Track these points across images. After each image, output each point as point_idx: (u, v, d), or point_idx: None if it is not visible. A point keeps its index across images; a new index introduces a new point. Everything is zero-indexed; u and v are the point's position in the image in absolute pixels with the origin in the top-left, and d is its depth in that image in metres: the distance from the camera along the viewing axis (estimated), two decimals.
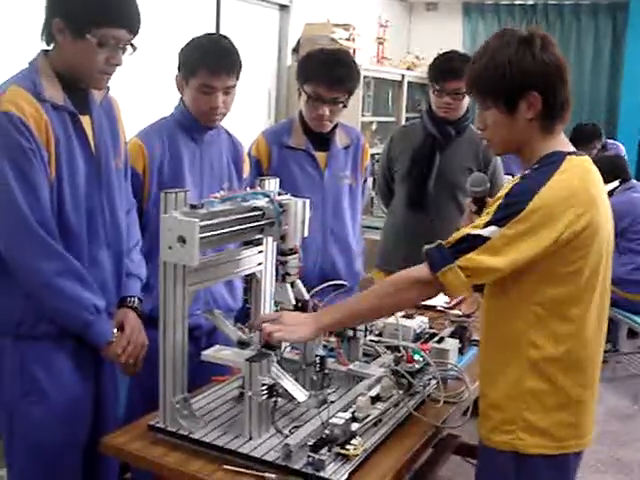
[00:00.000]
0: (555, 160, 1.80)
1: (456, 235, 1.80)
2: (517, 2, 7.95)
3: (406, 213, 3.58)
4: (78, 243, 2.09)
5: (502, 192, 1.78)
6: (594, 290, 1.83)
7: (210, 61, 2.48)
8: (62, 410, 2.12)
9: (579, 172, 1.81)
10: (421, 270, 1.82)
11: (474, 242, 1.75)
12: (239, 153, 2.79)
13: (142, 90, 4.16)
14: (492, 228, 1.74)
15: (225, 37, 2.63)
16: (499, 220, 1.74)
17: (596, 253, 1.81)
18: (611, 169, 5.04)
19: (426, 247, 1.83)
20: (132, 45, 2.07)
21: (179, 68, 2.58)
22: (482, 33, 8.12)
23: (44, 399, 2.09)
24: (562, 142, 1.88)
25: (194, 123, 2.58)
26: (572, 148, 1.89)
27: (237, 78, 2.56)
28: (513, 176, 3.52)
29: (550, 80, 1.80)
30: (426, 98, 3.62)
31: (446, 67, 3.43)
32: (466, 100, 3.46)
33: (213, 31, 4.82)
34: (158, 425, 1.85)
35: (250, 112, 5.40)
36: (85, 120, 2.11)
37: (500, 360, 1.87)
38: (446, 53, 3.58)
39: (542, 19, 7.91)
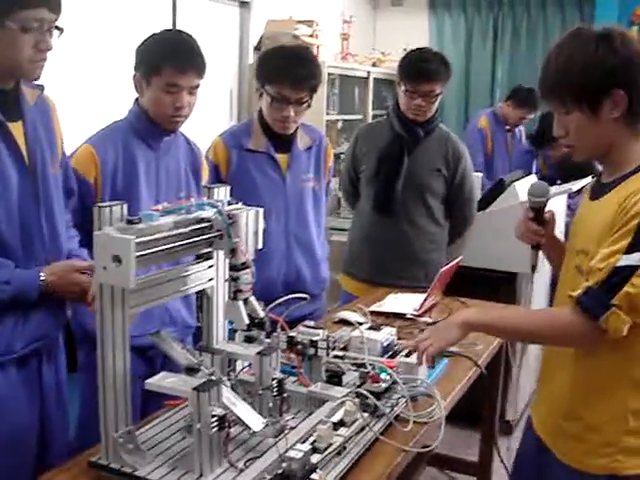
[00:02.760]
0: None
1: (597, 270, 1.67)
2: None
3: (373, 216, 3.44)
4: (12, 258, 1.94)
5: (634, 209, 1.65)
6: None
7: (177, 58, 2.34)
8: (4, 440, 1.96)
9: None
10: (576, 318, 1.71)
11: (625, 274, 1.64)
12: (197, 159, 2.64)
13: (94, 91, 3.98)
14: (639, 254, 1.63)
15: (188, 34, 2.48)
16: None
17: None
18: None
19: (574, 295, 1.71)
20: (57, 27, 1.91)
21: (138, 67, 2.41)
22: (448, 28, 8.01)
23: None
24: None
25: (150, 128, 2.43)
26: None
27: (202, 78, 2.43)
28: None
29: (634, 76, 1.71)
30: (393, 95, 3.48)
31: (421, 68, 3.29)
32: (437, 101, 3.34)
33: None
34: (100, 462, 1.68)
35: (211, 113, 5.22)
36: (16, 127, 1.95)
37: (600, 380, 1.78)
38: (419, 52, 3.43)
39: (509, 13, 7.80)
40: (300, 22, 5.91)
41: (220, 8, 5.61)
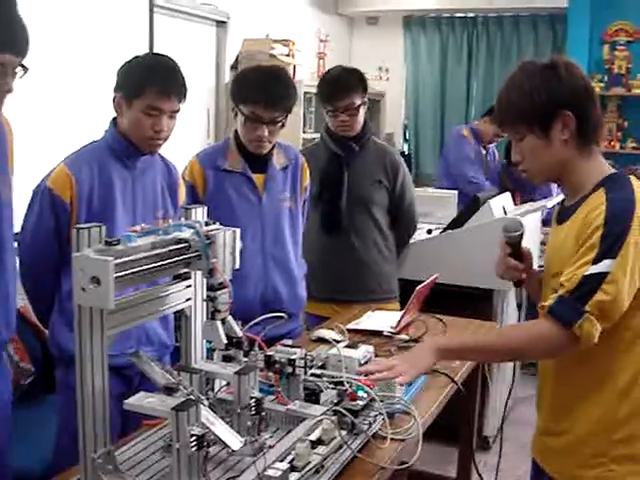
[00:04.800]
0: (622, 179, 1.81)
1: (571, 280, 1.72)
2: (458, 15, 7.94)
3: (322, 236, 3.51)
4: None
5: (597, 221, 1.71)
6: None
7: (160, 82, 2.36)
8: None
9: None
10: (550, 327, 1.75)
11: (594, 282, 1.69)
12: (174, 179, 2.65)
13: (69, 111, 3.98)
14: (607, 261, 1.68)
15: (171, 59, 2.49)
16: (609, 250, 1.68)
17: None
18: None
19: (546, 305, 1.76)
20: (23, 66, 1.89)
21: (118, 88, 2.42)
22: (423, 45, 8.12)
23: None
24: (605, 164, 1.88)
25: (127, 148, 2.44)
26: (613, 170, 1.88)
27: (183, 102, 2.45)
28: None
29: (580, 99, 1.83)
30: (323, 119, 3.57)
31: (331, 86, 3.42)
32: (361, 114, 3.43)
33: (146, 48, 4.66)
34: None
35: (188, 132, 5.24)
36: None
37: (584, 392, 1.83)
38: (329, 72, 3.59)
39: (483, 31, 7.93)
40: (276, 41, 5.97)
41: (197, 27, 5.66)
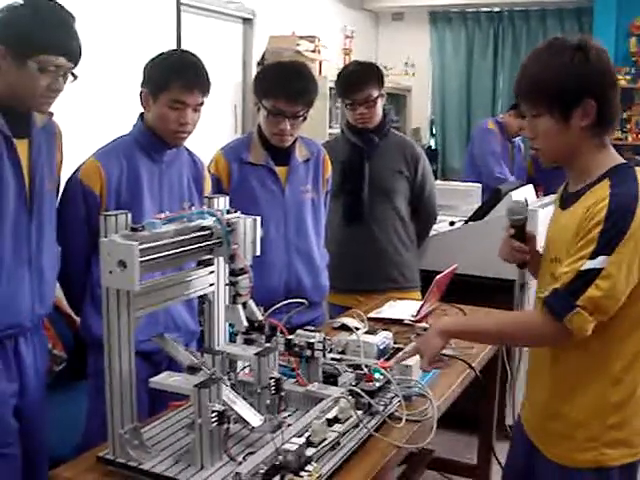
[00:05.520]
0: (628, 174, 1.81)
1: (564, 274, 1.77)
2: (483, 9, 7.96)
3: (344, 226, 3.58)
4: (1, 260, 2.14)
5: (598, 216, 1.73)
6: None
7: (184, 76, 2.46)
8: None
9: None
10: (543, 318, 1.81)
11: (588, 277, 1.72)
12: (200, 172, 2.74)
13: (101, 107, 4.09)
14: (602, 258, 1.71)
15: (194, 54, 2.60)
16: (606, 247, 1.71)
17: None
18: None
19: (541, 296, 1.81)
20: (73, 74, 2.15)
21: (144, 83, 2.52)
22: (449, 41, 8.15)
23: None
24: (615, 154, 1.88)
25: (154, 142, 2.53)
26: (622, 159, 1.89)
27: (206, 96, 2.54)
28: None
29: (605, 87, 1.81)
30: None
31: (348, 80, 3.52)
32: (379, 105, 3.51)
33: (174, 46, 4.76)
34: (107, 457, 1.78)
35: (216, 128, 5.34)
36: (22, 144, 2.16)
37: (579, 379, 1.87)
38: (345, 67, 3.73)
39: (509, 25, 7.94)
40: (302, 38, 6.04)
41: (224, 25, 5.74)
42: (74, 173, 2.50)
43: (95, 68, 4.08)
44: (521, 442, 2.08)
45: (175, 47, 4.75)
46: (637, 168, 1.85)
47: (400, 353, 2.26)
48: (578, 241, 1.77)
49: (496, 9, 7.92)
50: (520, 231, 2.12)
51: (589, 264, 1.72)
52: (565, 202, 1.94)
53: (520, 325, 1.92)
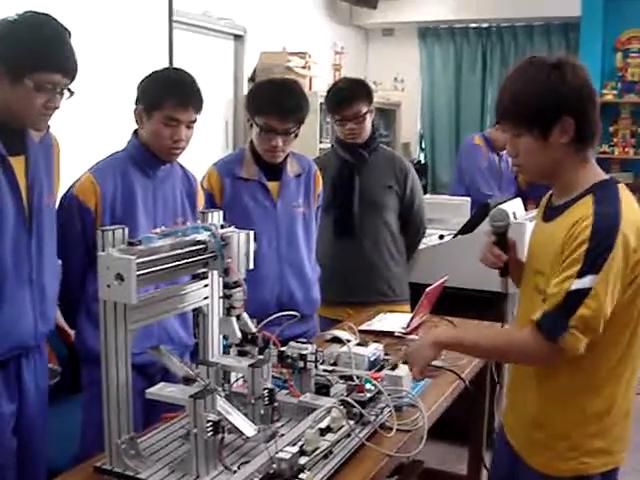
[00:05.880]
0: (612, 191, 1.84)
1: (553, 295, 1.80)
2: (472, 25, 8.05)
3: (335, 241, 3.64)
4: (3, 277, 2.13)
5: (583, 235, 1.76)
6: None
7: (178, 94, 2.51)
8: None
9: (632, 202, 1.86)
10: (535, 339, 1.83)
11: (578, 297, 1.76)
12: (193, 187, 2.78)
13: (96, 120, 4.14)
14: (589, 277, 1.74)
15: (188, 72, 2.65)
16: (592, 266, 1.74)
17: None
18: None
19: (533, 319, 1.83)
20: (69, 90, 2.13)
21: (139, 101, 2.57)
22: (438, 56, 8.24)
23: None
24: (597, 169, 1.92)
25: (148, 158, 2.58)
26: (605, 174, 1.92)
27: (199, 113, 2.59)
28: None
29: (582, 104, 1.84)
30: (333, 129, 3.75)
31: (337, 97, 3.58)
32: (368, 121, 3.58)
33: (166, 62, 4.82)
34: (104, 467, 1.81)
35: (207, 143, 5.39)
36: (18, 161, 2.16)
37: (562, 391, 1.91)
38: (334, 84, 3.79)
39: (497, 41, 8.04)
40: (293, 54, 6.12)
41: (215, 41, 5.81)
42: (69, 189, 2.54)
43: (88, 84, 4.14)
44: (504, 449, 2.11)
45: (167, 63, 4.82)
46: (619, 185, 1.89)
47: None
48: (564, 260, 1.80)
49: (484, 25, 8.02)
50: (501, 238, 2.17)
51: (577, 284, 1.75)
52: (548, 215, 1.98)
53: (515, 345, 1.93)
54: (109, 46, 4.33)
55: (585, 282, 1.74)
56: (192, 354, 2.73)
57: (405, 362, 2.24)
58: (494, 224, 2.17)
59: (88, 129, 4.06)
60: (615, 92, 7.30)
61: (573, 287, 1.76)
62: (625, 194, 1.85)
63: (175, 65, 4.82)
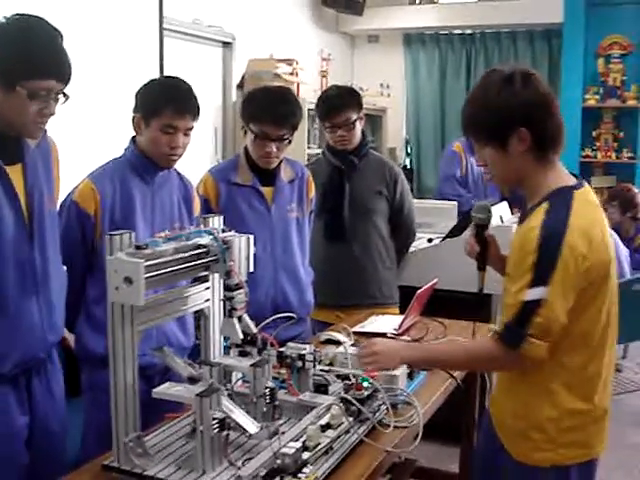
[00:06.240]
0: (565, 199, 1.91)
1: (511, 306, 1.91)
2: (455, 32, 8.16)
3: (326, 245, 3.70)
4: (6, 292, 2.07)
5: (529, 246, 1.86)
6: (611, 314, 2.00)
7: (175, 102, 2.56)
8: None
9: (590, 210, 1.95)
10: (498, 348, 1.95)
11: (531, 307, 1.86)
12: (189, 193, 2.84)
13: (87, 131, 4.18)
14: (540, 288, 1.85)
15: (185, 81, 2.70)
16: (541, 278, 1.85)
17: (612, 282, 1.97)
18: None
19: (493, 331, 1.96)
20: (64, 94, 2.06)
21: (137, 109, 2.62)
22: (423, 62, 8.34)
23: None
24: (562, 173, 2.00)
25: (146, 164, 2.63)
26: (572, 178, 2.00)
27: (196, 120, 2.65)
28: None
29: (534, 114, 1.92)
30: (321, 135, 3.84)
31: (328, 104, 3.66)
32: (358, 128, 3.65)
33: (157, 69, 4.88)
34: (112, 464, 1.87)
35: (196, 150, 5.43)
36: (15, 170, 2.10)
37: (536, 386, 2.00)
38: (325, 92, 3.89)
39: (481, 47, 8.15)
40: (280, 61, 6.19)
41: (204, 49, 5.87)
42: (68, 196, 2.58)
43: (79, 90, 4.19)
44: (488, 434, 2.20)
45: (158, 70, 4.87)
46: (580, 190, 1.95)
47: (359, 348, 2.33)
48: (517, 268, 1.91)
49: (468, 31, 8.13)
50: (480, 231, 2.29)
51: (530, 295, 1.86)
52: (521, 218, 2.08)
53: (483, 357, 2.05)
54: (100, 52, 4.37)
55: (537, 293, 1.85)
56: (189, 356, 2.78)
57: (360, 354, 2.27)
58: (475, 216, 2.28)
59: (80, 134, 4.09)
60: (597, 97, 7.42)
61: (526, 298, 1.87)
62: (580, 201, 1.92)
63: (165, 72, 4.89)
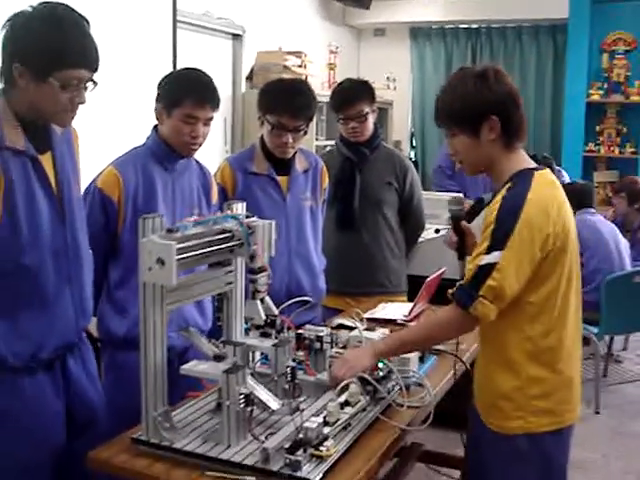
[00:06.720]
0: (526, 178, 2.07)
1: (468, 271, 2.05)
2: (462, 26, 8.22)
3: (338, 233, 3.78)
4: (45, 279, 2.11)
5: (490, 217, 2.02)
6: (571, 285, 2.12)
7: (197, 93, 2.65)
8: (31, 437, 2.14)
9: (548, 188, 2.10)
10: (454, 311, 2.09)
11: (485, 271, 2.00)
12: (208, 181, 2.93)
13: (103, 120, 4.26)
14: (495, 253, 1.99)
15: (205, 73, 2.77)
16: (497, 243, 1.99)
17: (571, 254, 2.11)
18: (579, 198, 5.06)
19: (449, 291, 2.10)
20: (93, 81, 2.09)
21: (160, 99, 2.71)
22: (429, 56, 8.40)
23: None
24: (524, 159, 2.17)
25: (167, 152, 2.71)
26: (533, 163, 2.17)
27: (216, 111, 2.73)
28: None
29: (505, 105, 2.11)
30: (334, 127, 3.92)
31: (341, 97, 3.75)
32: (370, 120, 3.73)
33: (170, 61, 4.95)
34: (141, 438, 1.96)
35: (207, 140, 5.49)
36: (46, 158, 2.14)
37: (502, 356, 2.13)
38: (338, 84, 3.96)
39: (486, 42, 8.21)
40: (289, 53, 6.25)
41: (214, 41, 5.95)
42: (92, 182, 2.66)
43: (104, 82, 4.26)
44: (472, 411, 2.31)
45: (171, 62, 4.94)
46: (539, 172, 2.12)
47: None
48: (480, 239, 2.07)
49: (474, 26, 8.20)
50: (456, 222, 2.45)
51: (485, 259, 2.01)
52: (489, 201, 2.21)
53: (440, 322, 2.19)
54: (115, 44, 4.43)
55: (491, 257, 2.00)
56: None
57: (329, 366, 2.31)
58: (450, 209, 2.41)
59: (96, 123, 4.16)
60: (601, 92, 7.51)
61: (482, 262, 2.01)
62: (540, 180, 2.08)
63: (177, 63, 4.97)
